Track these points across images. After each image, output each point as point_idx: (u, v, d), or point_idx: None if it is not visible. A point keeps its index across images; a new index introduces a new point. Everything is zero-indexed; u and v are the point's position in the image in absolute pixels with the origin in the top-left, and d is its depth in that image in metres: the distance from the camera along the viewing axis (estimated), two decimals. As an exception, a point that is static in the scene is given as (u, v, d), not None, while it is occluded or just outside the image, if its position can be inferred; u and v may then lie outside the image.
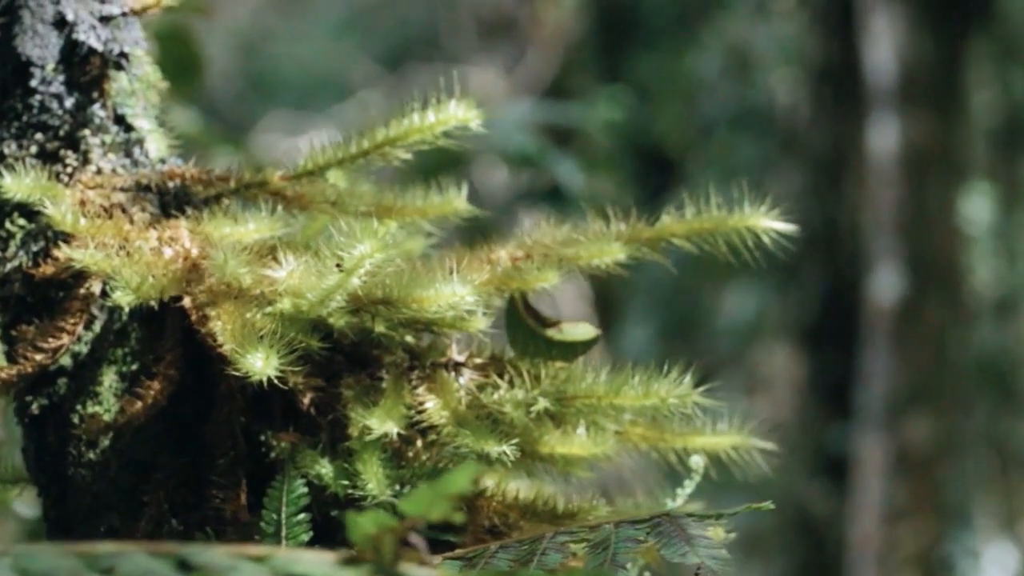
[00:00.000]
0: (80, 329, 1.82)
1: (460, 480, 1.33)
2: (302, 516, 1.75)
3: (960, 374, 7.41)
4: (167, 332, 1.81)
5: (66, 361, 1.83)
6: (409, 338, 1.84)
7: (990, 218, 9.06)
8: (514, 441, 1.77)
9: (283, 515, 1.75)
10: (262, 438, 1.80)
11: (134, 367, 1.83)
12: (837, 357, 7.99)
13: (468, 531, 1.81)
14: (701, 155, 9.47)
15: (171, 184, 1.89)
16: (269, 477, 1.78)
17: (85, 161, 1.88)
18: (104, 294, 1.81)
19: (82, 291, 1.82)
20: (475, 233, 1.99)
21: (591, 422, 1.85)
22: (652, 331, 9.05)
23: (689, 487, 1.89)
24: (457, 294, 1.74)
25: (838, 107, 8.25)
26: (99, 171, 1.88)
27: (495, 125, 4.78)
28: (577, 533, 1.66)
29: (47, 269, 1.82)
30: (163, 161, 1.93)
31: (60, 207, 1.79)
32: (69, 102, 1.88)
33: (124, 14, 1.90)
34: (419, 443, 1.81)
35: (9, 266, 1.85)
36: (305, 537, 1.74)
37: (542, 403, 1.80)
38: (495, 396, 1.81)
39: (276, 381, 1.71)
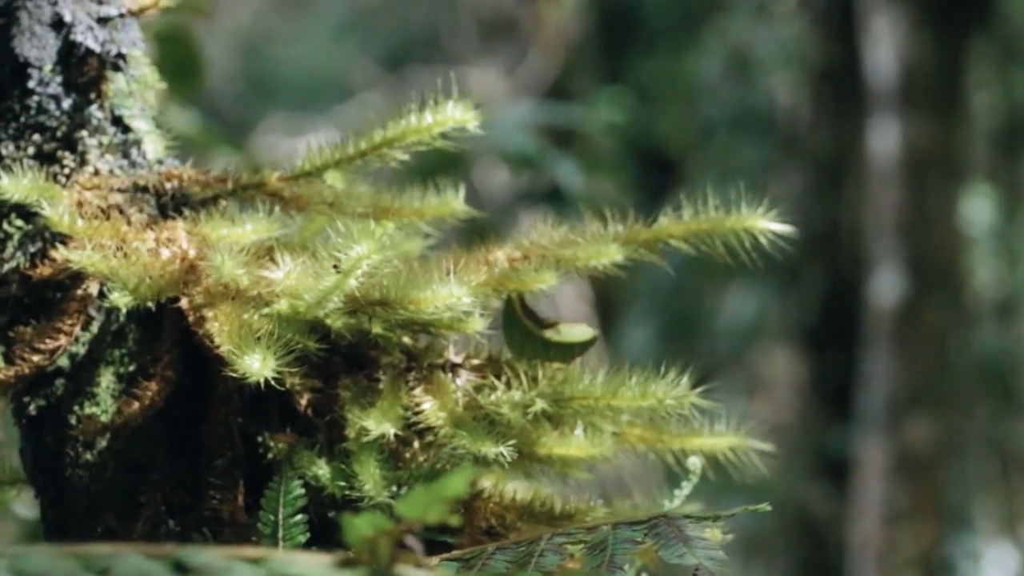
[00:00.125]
0: (77, 330, 1.82)
1: (456, 483, 1.33)
2: (299, 517, 1.75)
3: (961, 376, 7.41)
4: (164, 333, 1.81)
5: (63, 362, 1.83)
6: (406, 339, 1.84)
7: (991, 220, 9.07)
8: (511, 442, 1.77)
9: (280, 516, 1.75)
10: (259, 439, 1.80)
11: (131, 368, 1.83)
12: (838, 359, 7.99)
13: (465, 532, 1.81)
14: (702, 157, 9.47)
15: (168, 185, 1.89)
16: (266, 478, 1.78)
17: (82, 162, 1.88)
18: (101, 295, 1.81)
19: (79, 292, 1.82)
20: (474, 234, 1.99)
21: (588, 423, 1.85)
22: (653, 333, 9.05)
23: (687, 488, 1.89)
24: (454, 295, 1.74)
25: (839, 109, 8.25)
26: (96, 172, 1.88)
27: (495, 126, 4.78)
28: (575, 534, 1.66)
29: (44, 270, 1.82)
30: (160, 162, 1.93)
31: (57, 208, 1.79)
32: (66, 103, 1.88)
33: (122, 15, 1.90)
34: (416, 444, 1.81)
35: (6, 267, 1.85)
36: (302, 538, 1.74)
37: (539, 404, 1.80)
38: (492, 397, 1.81)
39: (273, 382, 1.71)
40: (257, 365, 1.70)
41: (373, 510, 1.72)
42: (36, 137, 1.87)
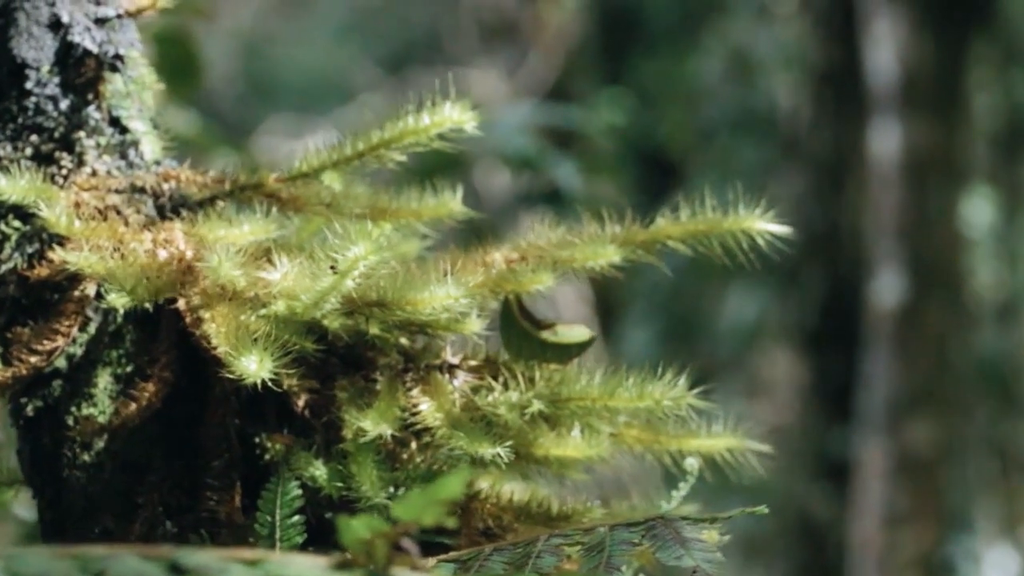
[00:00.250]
0: (75, 331, 1.82)
1: (452, 486, 1.33)
2: (296, 518, 1.75)
3: (961, 378, 7.41)
4: (162, 334, 1.81)
5: (61, 363, 1.83)
6: (403, 340, 1.84)
7: (991, 221, 9.06)
8: (508, 443, 1.77)
9: (277, 517, 1.75)
10: (256, 440, 1.80)
11: (129, 369, 1.83)
12: (838, 361, 7.99)
13: (462, 533, 1.81)
14: (703, 159, 9.47)
15: (166, 186, 1.89)
16: (263, 479, 1.78)
17: (80, 163, 1.88)
18: (99, 296, 1.81)
19: (77, 293, 1.82)
20: (473, 235, 1.99)
21: (585, 424, 1.85)
22: (653, 334, 9.05)
23: (684, 489, 1.89)
24: (451, 296, 1.74)
25: (839, 111, 8.25)
26: (94, 173, 1.88)
27: (495, 127, 4.78)
28: (572, 536, 1.66)
29: (42, 271, 1.82)
30: (158, 163, 1.93)
31: (55, 209, 1.79)
32: (64, 104, 1.88)
33: (119, 16, 1.90)
34: (413, 445, 1.81)
35: (4, 268, 1.85)
36: (299, 539, 1.74)
37: (536, 405, 1.80)
38: (489, 398, 1.81)
39: (270, 383, 1.71)
40: (254, 366, 1.70)
41: (370, 511, 1.72)
42: (34, 138, 1.87)
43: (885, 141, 7.22)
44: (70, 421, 1.83)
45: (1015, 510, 8.99)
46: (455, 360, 1.85)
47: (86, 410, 1.82)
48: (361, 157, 1.89)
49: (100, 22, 1.89)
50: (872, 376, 7.18)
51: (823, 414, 8.13)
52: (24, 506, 3.16)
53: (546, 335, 1.85)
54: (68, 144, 1.87)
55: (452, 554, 1.70)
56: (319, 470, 1.77)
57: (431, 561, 1.65)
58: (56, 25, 1.88)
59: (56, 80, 1.88)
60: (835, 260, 8.18)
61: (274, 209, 1.90)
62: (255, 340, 1.71)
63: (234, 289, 1.76)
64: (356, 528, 1.36)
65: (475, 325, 1.82)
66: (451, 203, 1.93)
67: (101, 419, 1.81)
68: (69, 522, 1.84)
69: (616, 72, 9.77)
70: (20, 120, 1.87)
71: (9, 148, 1.87)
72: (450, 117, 1.87)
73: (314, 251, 1.78)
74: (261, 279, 1.76)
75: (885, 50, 7.25)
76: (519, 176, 5.75)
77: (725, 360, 8.80)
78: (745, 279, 8.47)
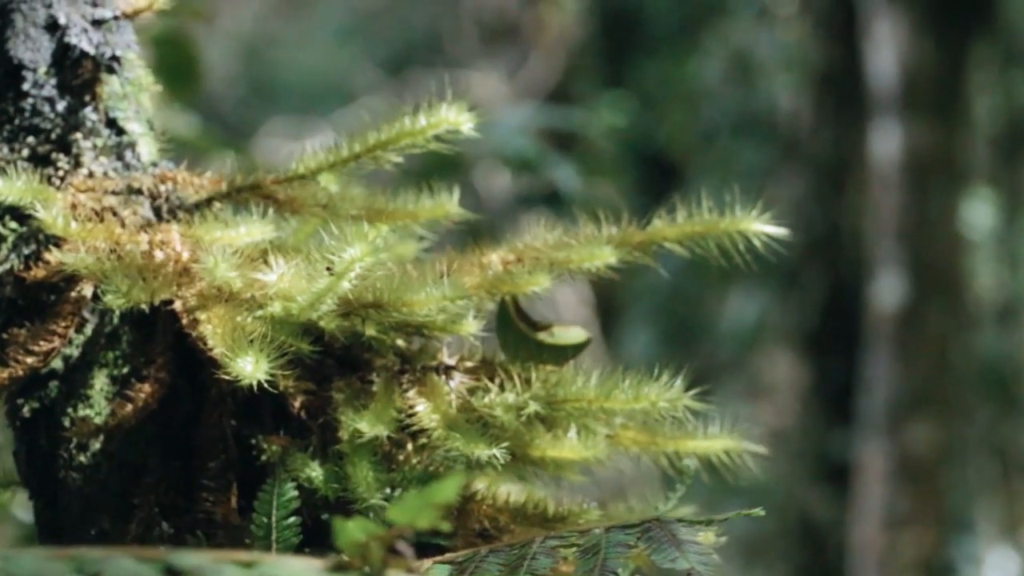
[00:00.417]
0: (71, 332, 1.82)
1: (448, 489, 1.33)
2: (292, 519, 1.75)
3: (962, 380, 7.41)
4: (158, 335, 1.81)
5: (57, 364, 1.83)
6: (400, 341, 1.84)
7: (992, 224, 9.06)
8: (504, 444, 1.77)
9: (273, 518, 1.75)
10: (253, 441, 1.79)
11: (125, 370, 1.83)
12: (839, 363, 7.99)
13: (458, 535, 1.81)
14: (703, 161, 9.47)
15: (163, 187, 1.89)
16: (260, 480, 1.78)
17: (77, 164, 1.88)
18: (95, 297, 1.81)
19: (73, 294, 1.82)
20: (470, 237, 1.99)
21: (582, 425, 1.85)
22: (654, 336, 9.05)
23: (680, 491, 1.89)
24: (447, 297, 1.74)
25: (840, 113, 8.25)
26: (91, 174, 1.88)
27: (496, 129, 4.79)
28: (567, 538, 1.66)
29: (38, 272, 1.82)
30: (155, 164, 1.93)
31: (51, 210, 1.79)
32: (61, 105, 1.88)
33: (116, 17, 1.90)
34: (409, 446, 1.81)
35: (0, 269, 1.85)
36: (295, 540, 1.74)
37: (533, 407, 1.80)
38: (486, 399, 1.81)
39: (266, 384, 1.71)
40: (250, 367, 1.70)
41: (366, 512, 1.73)
42: (30, 139, 1.87)
43: (886, 143, 7.22)
44: (66, 422, 1.83)
45: (1016, 512, 8.98)
46: (451, 361, 1.85)
47: (82, 411, 1.82)
48: (358, 159, 1.89)
49: (97, 24, 1.89)
50: (872, 378, 7.18)
51: (823, 416, 8.12)
52: (21, 507, 3.16)
53: (542, 336, 1.85)
54: (65, 145, 1.87)
55: (448, 556, 1.70)
56: (315, 471, 1.77)
57: (427, 563, 1.65)
58: (53, 26, 1.88)
59: (53, 81, 1.88)
60: (836, 262, 8.18)
61: (271, 211, 1.90)
62: (251, 341, 1.71)
63: (230, 290, 1.76)
64: (352, 530, 1.36)
65: (471, 326, 1.82)
66: (448, 204, 1.92)
67: (97, 420, 1.81)
68: (66, 523, 1.84)
69: (617, 74, 9.77)
70: (17, 121, 1.87)
71: (6, 149, 1.87)
72: (447, 118, 1.86)
73: (310, 253, 1.78)
74: (257, 280, 1.76)
75: (886, 52, 7.25)
76: (519, 178, 5.75)
77: (726, 362, 8.80)
78: (745, 281, 8.47)
